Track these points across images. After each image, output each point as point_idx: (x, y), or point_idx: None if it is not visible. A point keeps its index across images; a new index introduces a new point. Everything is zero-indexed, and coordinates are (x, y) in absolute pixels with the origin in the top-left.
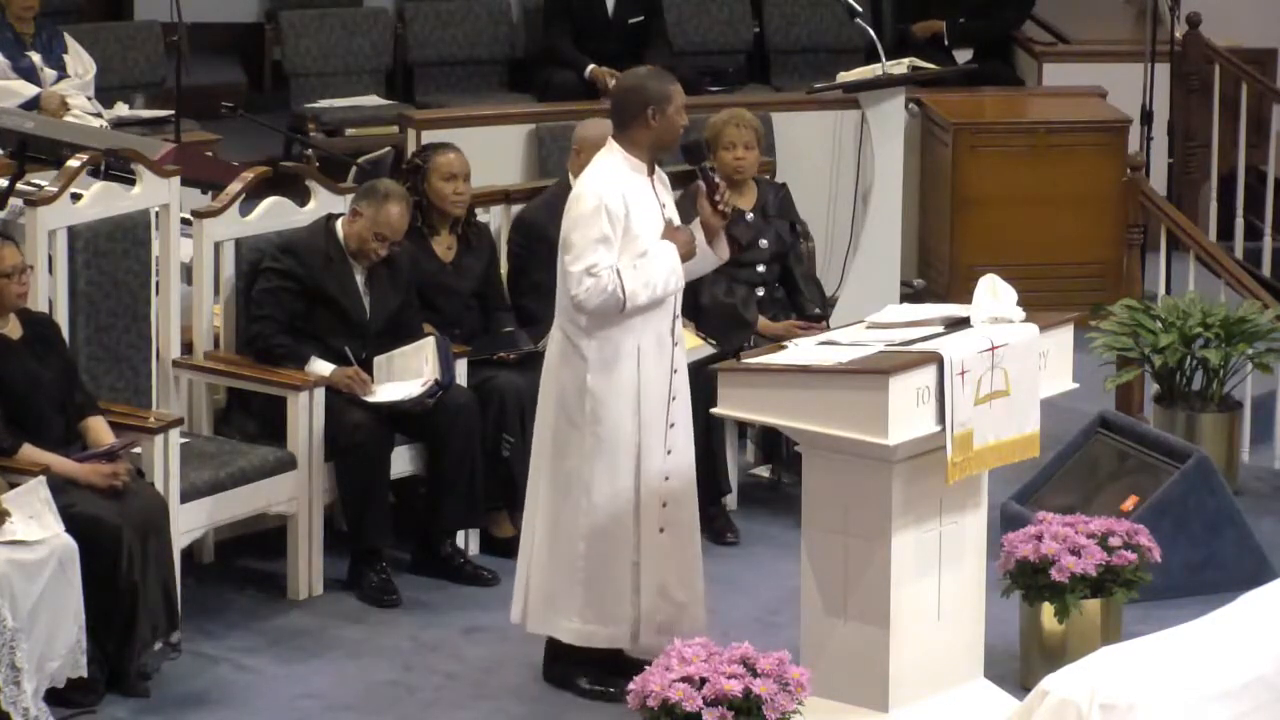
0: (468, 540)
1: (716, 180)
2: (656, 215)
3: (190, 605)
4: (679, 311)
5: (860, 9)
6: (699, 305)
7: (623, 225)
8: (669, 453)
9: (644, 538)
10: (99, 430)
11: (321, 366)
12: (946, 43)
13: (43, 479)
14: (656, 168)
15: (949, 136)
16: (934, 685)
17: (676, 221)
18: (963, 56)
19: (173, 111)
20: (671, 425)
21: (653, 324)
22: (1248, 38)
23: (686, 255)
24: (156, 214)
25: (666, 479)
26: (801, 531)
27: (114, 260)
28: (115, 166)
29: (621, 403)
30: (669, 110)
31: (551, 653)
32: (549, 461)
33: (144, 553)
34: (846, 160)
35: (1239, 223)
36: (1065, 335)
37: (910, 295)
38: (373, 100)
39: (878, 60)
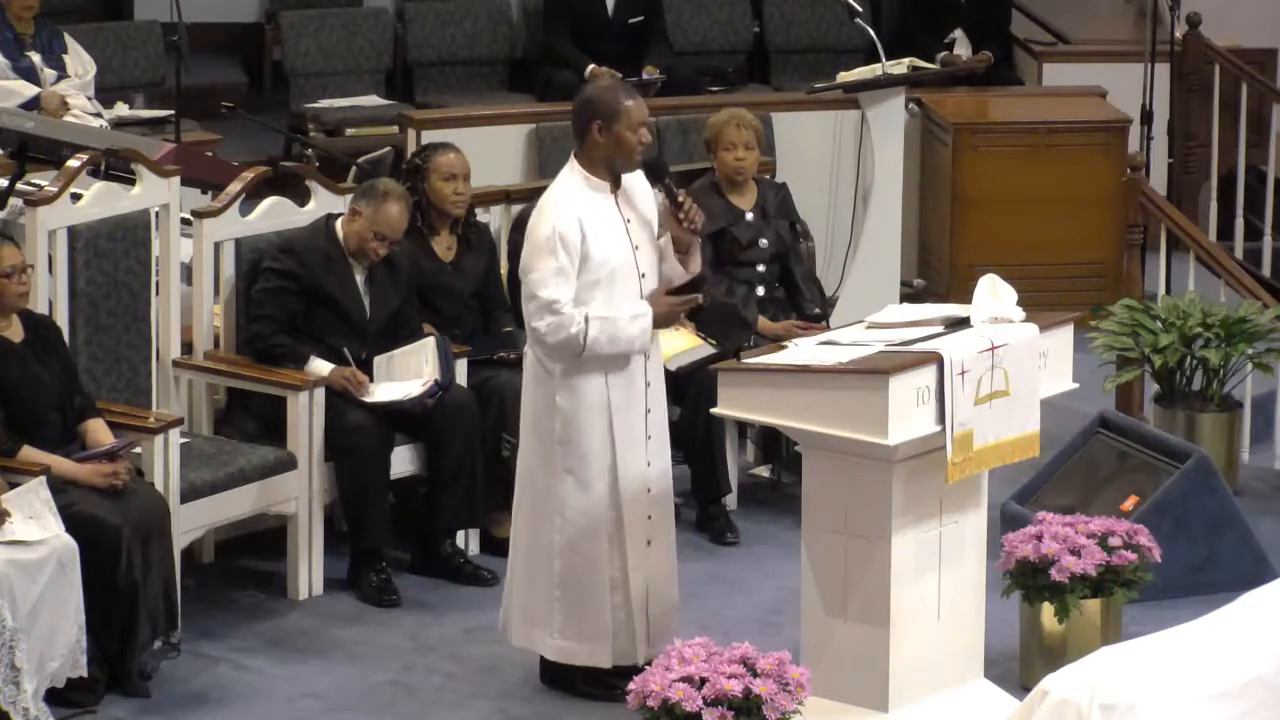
0: (468, 540)
1: (680, 197)
2: (620, 235)
3: (190, 605)
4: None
5: (860, 9)
6: (699, 305)
7: (580, 251)
8: (649, 464)
9: (630, 553)
10: (98, 432)
11: (320, 366)
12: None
13: (43, 479)
14: (630, 180)
15: (949, 136)
16: (934, 685)
17: (642, 238)
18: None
19: (173, 111)
20: (649, 438)
21: None
22: (1248, 38)
23: (665, 322)
24: (156, 214)
25: (649, 491)
26: (801, 531)
27: (114, 260)
28: (115, 166)
29: (591, 420)
30: (617, 127)
31: (549, 672)
32: (525, 479)
33: (144, 553)
34: (846, 160)
35: (1239, 223)
36: (1065, 335)
37: (910, 295)
38: (373, 100)
39: (878, 60)
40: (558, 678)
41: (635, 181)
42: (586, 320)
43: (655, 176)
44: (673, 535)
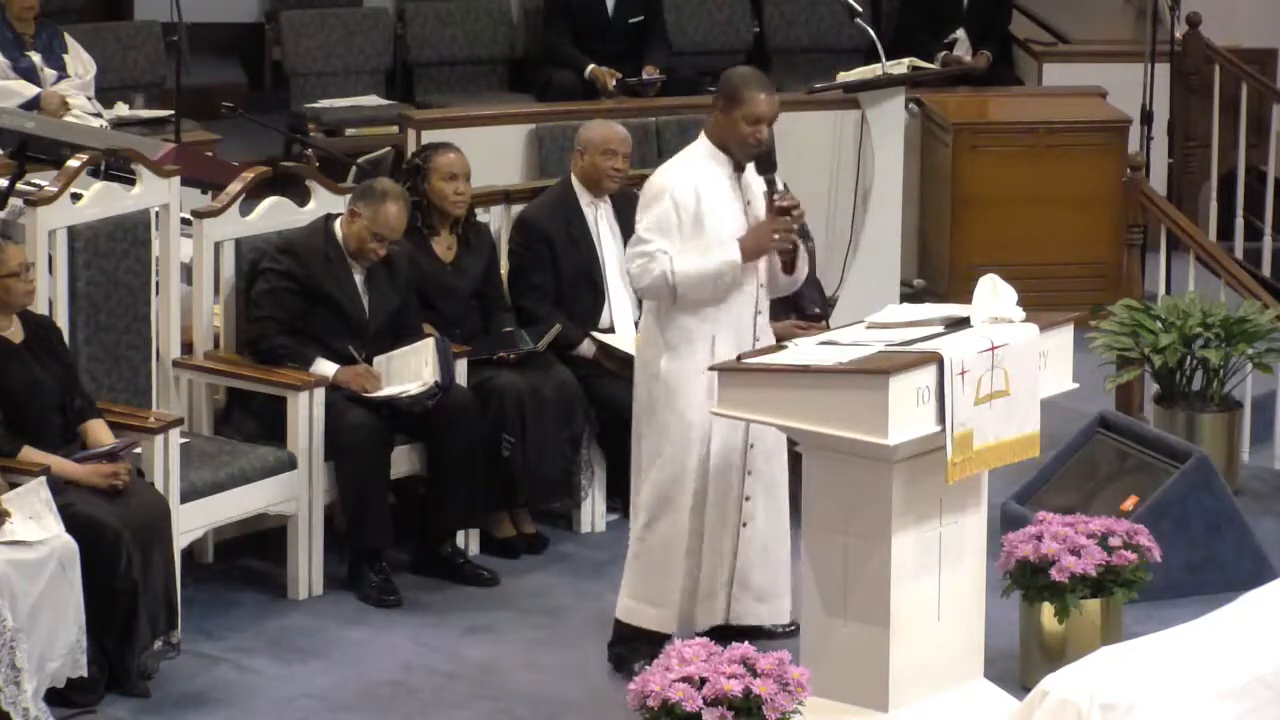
0: (468, 540)
1: (778, 198)
2: (736, 210)
3: (190, 605)
4: (763, 309)
5: (860, 9)
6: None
7: (693, 212)
8: (750, 446)
9: (712, 529)
10: (99, 433)
11: (326, 368)
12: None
13: (43, 479)
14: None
15: (949, 136)
16: (934, 685)
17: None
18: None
19: (173, 111)
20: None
21: (730, 313)
22: (1248, 38)
23: (755, 252)
24: (156, 214)
25: (749, 474)
26: (801, 531)
27: (114, 260)
28: (115, 166)
29: (692, 388)
30: (735, 113)
31: (615, 633)
32: (635, 440)
33: (144, 553)
34: (846, 160)
35: (1239, 223)
36: (1065, 335)
37: (910, 295)
38: (373, 100)
39: (878, 60)
40: (615, 658)
41: (752, 175)
42: (670, 258)
43: (762, 169)
44: (777, 523)
